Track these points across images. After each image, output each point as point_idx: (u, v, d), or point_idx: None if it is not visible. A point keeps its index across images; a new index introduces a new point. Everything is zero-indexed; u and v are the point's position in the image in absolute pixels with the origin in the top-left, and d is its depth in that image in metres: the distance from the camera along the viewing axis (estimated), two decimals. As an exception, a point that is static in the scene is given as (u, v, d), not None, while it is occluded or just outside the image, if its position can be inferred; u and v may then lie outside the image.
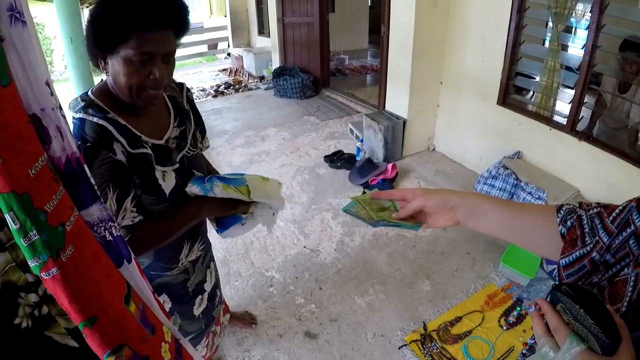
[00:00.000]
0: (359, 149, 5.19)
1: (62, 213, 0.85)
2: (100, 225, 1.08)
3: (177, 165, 1.56)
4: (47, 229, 0.80)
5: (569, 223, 0.97)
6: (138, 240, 1.42)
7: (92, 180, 1.05)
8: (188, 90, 1.79)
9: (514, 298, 3.00)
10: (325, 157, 5.19)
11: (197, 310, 1.97)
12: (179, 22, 1.38)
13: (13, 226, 0.74)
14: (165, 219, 1.53)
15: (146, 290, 1.28)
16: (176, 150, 1.58)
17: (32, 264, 0.78)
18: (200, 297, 1.98)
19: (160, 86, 1.37)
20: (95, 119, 1.32)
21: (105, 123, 1.33)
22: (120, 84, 1.32)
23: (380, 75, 5.53)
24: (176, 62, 1.44)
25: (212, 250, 2.16)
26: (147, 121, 1.50)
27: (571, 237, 0.95)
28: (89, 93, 1.41)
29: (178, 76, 9.44)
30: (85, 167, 1.11)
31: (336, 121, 6.57)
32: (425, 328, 2.78)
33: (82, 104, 1.36)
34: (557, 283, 0.81)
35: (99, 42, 1.28)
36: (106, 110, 1.37)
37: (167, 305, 1.79)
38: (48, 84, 0.91)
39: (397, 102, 5.12)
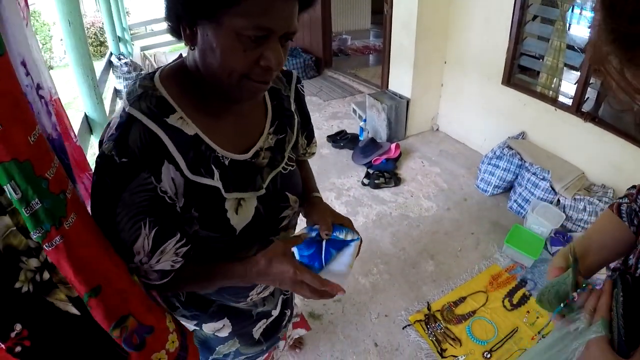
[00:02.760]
0: (362, 129, 5.17)
1: (62, 181, 0.84)
2: None
3: (262, 192, 1.15)
4: (49, 196, 0.78)
5: (635, 222, 1.00)
6: (166, 287, 1.10)
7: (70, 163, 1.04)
8: (299, 81, 1.34)
9: (518, 279, 3.00)
10: (328, 137, 5.17)
11: (256, 333, 1.59)
12: None
13: (14, 196, 0.72)
14: (206, 272, 1.13)
15: None
16: (267, 167, 1.16)
17: (34, 235, 0.76)
18: (264, 320, 1.59)
19: (271, 77, 0.98)
20: (146, 121, 0.93)
21: (159, 131, 0.93)
22: (214, 65, 0.91)
23: (383, 55, 5.47)
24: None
25: None
26: (231, 124, 1.09)
27: None
28: (157, 74, 1.02)
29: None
30: (67, 147, 1.08)
31: (339, 101, 6.53)
32: (429, 308, 2.79)
33: (139, 92, 0.97)
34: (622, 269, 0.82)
35: (190, 3, 0.86)
36: (169, 107, 0.97)
37: (227, 330, 1.46)
38: (24, 64, 0.90)
39: (400, 81, 5.09)
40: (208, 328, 1.43)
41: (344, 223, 1.21)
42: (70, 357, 0.75)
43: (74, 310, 0.75)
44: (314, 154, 1.52)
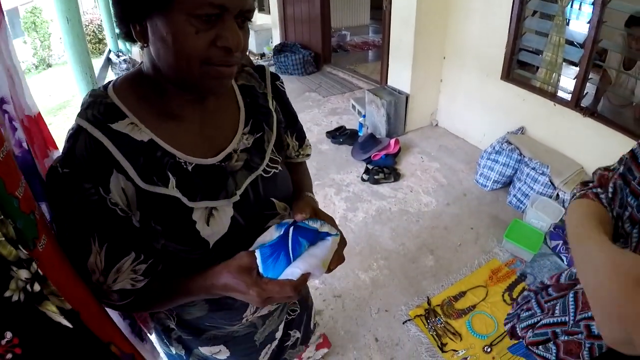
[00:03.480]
0: (361, 125, 5.17)
1: (30, 201, 0.81)
2: None
3: (236, 198, 1.02)
4: (21, 215, 0.75)
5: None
6: (130, 307, 1.02)
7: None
8: (275, 77, 1.21)
9: (518, 273, 3.01)
10: (328, 133, 5.18)
11: (263, 359, 1.49)
12: None
13: None
14: (169, 288, 1.02)
15: None
16: (243, 170, 1.04)
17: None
18: (269, 345, 1.48)
19: (235, 60, 0.88)
20: (91, 129, 0.86)
21: (103, 138, 0.86)
22: (169, 56, 0.84)
23: (382, 51, 5.47)
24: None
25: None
26: (197, 127, 1.00)
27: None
28: (111, 85, 0.95)
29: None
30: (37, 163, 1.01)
31: (338, 97, 6.52)
32: (429, 303, 2.80)
33: (89, 100, 0.91)
34: None
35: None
36: (118, 114, 0.90)
37: (224, 355, 1.37)
38: None
39: (399, 77, 5.08)
40: (205, 350, 1.35)
41: (325, 220, 1.04)
42: None
43: (66, 322, 0.73)
44: (309, 155, 1.38)
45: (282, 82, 1.23)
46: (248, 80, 1.14)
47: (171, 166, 0.93)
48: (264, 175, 1.09)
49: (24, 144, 0.98)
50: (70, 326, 0.74)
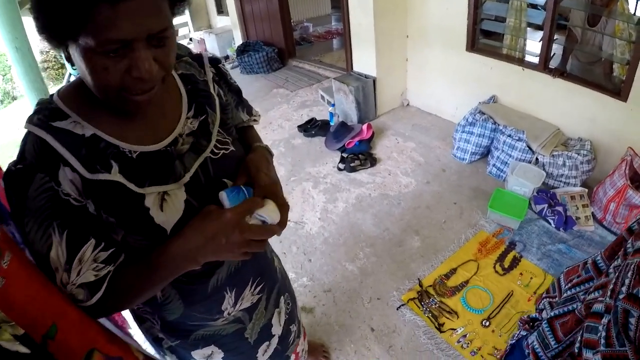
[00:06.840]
0: (331, 114, 5.11)
1: None
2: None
3: (186, 179, 1.02)
4: None
5: None
6: (105, 304, 0.96)
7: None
8: (215, 61, 1.23)
9: (507, 242, 2.98)
10: (299, 126, 5.10)
11: (262, 357, 1.48)
12: None
13: None
14: (145, 268, 0.97)
15: None
16: (191, 153, 1.05)
17: None
18: (267, 343, 1.47)
19: (149, 85, 0.88)
20: (36, 131, 0.88)
21: (47, 136, 0.88)
22: (89, 83, 0.86)
23: (344, 37, 5.42)
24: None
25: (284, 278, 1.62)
26: (138, 118, 0.99)
27: None
28: (56, 92, 0.96)
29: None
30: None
31: (306, 90, 6.45)
32: (420, 285, 2.74)
33: (36, 108, 0.94)
34: None
35: (45, 29, 0.80)
36: (62, 115, 0.91)
37: (219, 356, 1.35)
38: None
39: (364, 61, 5.02)
40: (198, 355, 1.32)
41: (264, 190, 1.08)
42: None
43: (24, 349, 0.70)
44: (256, 120, 1.41)
45: (223, 65, 1.25)
46: (187, 69, 1.14)
47: (114, 155, 0.94)
48: (212, 157, 1.09)
49: None
50: (28, 351, 0.72)
